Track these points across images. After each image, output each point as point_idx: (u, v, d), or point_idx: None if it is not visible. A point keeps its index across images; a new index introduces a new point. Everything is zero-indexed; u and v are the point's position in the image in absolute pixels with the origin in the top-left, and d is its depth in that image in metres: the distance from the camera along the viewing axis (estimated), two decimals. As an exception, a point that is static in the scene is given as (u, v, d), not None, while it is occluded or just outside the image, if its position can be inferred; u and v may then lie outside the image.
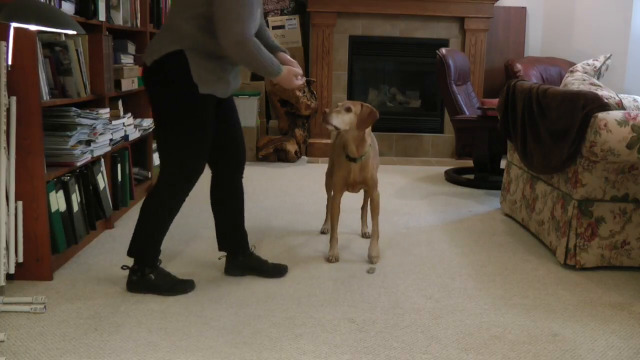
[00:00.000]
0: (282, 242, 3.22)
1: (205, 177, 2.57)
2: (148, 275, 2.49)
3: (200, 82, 2.33)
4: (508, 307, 2.48)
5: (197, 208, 3.76)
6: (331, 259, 2.93)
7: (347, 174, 2.85)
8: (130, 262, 2.54)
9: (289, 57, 2.60)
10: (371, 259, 2.94)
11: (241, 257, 2.72)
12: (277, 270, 2.72)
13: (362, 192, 3.09)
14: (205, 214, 3.67)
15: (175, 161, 2.42)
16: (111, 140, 3.21)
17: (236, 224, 2.71)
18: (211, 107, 2.41)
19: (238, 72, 2.52)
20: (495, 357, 2.08)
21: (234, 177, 2.64)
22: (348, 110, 2.66)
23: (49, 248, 2.58)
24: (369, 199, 3.01)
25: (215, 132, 2.50)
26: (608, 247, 2.91)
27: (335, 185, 2.93)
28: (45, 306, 2.32)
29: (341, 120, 2.65)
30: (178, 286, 2.52)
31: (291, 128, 5.50)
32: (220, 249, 2.75)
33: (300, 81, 2.51)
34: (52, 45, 2.83)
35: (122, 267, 2.55)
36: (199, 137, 2.40)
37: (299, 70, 2.51)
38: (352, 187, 2.92)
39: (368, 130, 2.81)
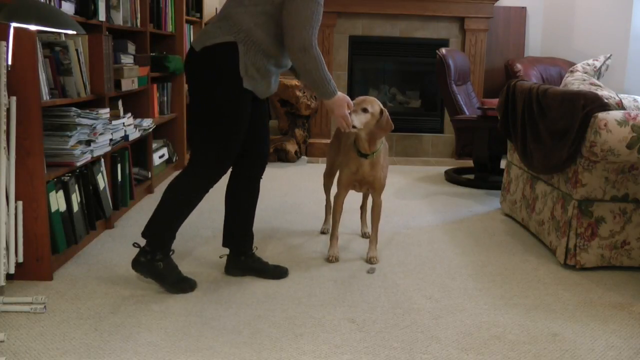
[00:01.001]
0: (282, 242, 3.22)
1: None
2: (157, 262, 2.48)
3: (245, 76, 2.35)
4: (508, 307, 2.48)
5: (197, 208, 3.76)
6: (331, 258, 2.93)
7: (355, 170, 2.84)
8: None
9: None
10: (369, 262, 2.93)
11: (243, 258, 2.72)
12: (277, 273, 2.72)
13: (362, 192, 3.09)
14: (206, 214, 3.67)
15: (206, 151, 2.43)
16: (111, 140, 3.20)
17: (246, 223, 2.71)
18: (249, 103, 2.43)
19: (277, 78, 2.54)
20: (495, 357, 2.08)
21: (255, 177, 2.67)
22: (365, 111, 2.70)
23: (49, 248, 2.58)
24: (372, 204, 2.97)
25: (247, 130, 2.53)
26: (608, 247, 2.91)
27: (341, 182, 2.91)
28: (45, 306, 2.32)
29: (359, 121, 2.69)
30: (180, 284, 2.52)
31: (291, 128, 5.50)
32: (224, 245, 2.74)
33: (347, 114, 2.56)
34: (52, 45, 2.83)
35: (133, 244, 2.54)
36: (234, 131, 2.41)
37: (351, 101, 2.58)
38: (360, 186, 2.91)
39: None
